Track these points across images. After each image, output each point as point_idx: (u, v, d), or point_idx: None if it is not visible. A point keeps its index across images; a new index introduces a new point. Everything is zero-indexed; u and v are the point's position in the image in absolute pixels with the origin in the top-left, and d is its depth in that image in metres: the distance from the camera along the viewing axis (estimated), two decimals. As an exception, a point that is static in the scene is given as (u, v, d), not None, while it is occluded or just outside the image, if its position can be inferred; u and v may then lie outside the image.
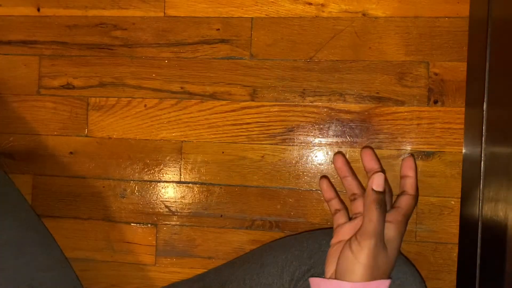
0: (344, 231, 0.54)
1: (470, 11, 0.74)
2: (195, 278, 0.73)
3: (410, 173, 0.54)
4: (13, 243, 0.65)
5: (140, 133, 0.82)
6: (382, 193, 0.48)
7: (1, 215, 0.66)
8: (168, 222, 0.81)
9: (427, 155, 0.75)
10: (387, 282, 0.49)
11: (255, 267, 0.63)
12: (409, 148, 0.75)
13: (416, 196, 0.55)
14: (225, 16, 0.80)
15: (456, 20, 0.74)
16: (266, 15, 0.79)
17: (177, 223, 0.81)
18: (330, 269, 0.51)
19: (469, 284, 0.64)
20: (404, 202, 0.53)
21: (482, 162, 0.63)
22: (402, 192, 0.55)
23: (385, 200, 0.49)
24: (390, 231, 0.49)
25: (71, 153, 0.84)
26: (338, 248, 0.52)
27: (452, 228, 0.74)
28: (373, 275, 0.48)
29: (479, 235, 0.63)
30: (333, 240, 0.54)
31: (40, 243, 0.71)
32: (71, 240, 0.78)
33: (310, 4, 0.78)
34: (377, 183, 0.48)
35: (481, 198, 0.63)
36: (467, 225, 0.71)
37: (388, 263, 0.49)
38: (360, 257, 0.47)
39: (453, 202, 0.74)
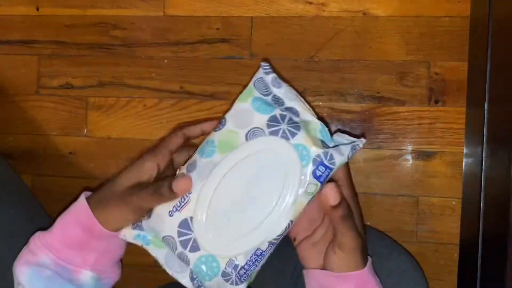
0: (298, 231, 0.52)
1: (471, 10, 0.74)
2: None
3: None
4: (25, 234, 0.65)
5: (139, 133, 0.82)
6: (342, 202, 0.45)
7: (13, 206, 0.67)
8: (167, 223, 0.81)
9: (428, 155, 0.75)
10: (370, 260, 0.50)
11: None
12: (410, 148, 0.75)
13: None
14: (225, 15, 0.80)
15: (457, 20, 0.74)
16: (266, 14, 0.79)
17: (177, 223, 0.81)
18: (312, 266, 0.50)
19: (470, 285, 0.64)
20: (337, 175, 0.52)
21: (483, 162, 0.63)
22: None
23: (348, 207, 0.45)
24: (355, 215, 0.48)
25: (70, 153, 0.84)
26: (305, 247, 0.50)
27: (453, 228, 0.74)
28: (365, 260, 0.48)
29: (480, 236, 0.62)
30: (296, 243, 0.51)
31: None
32: (70, 240, 0.78)
33: (311, 3, 0.78)
34: (332, 197, 0.44)
35: (482, 198, 0.63)
36: (468, 226, 0.71)
37: (365, 242, 0.49)
38: (349, 260, 0.47)
39: (454, 203, 0.74)
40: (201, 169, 0.46)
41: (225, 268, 0.45)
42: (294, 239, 0.52)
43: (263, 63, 0.47)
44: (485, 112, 0.63)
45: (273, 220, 0.44)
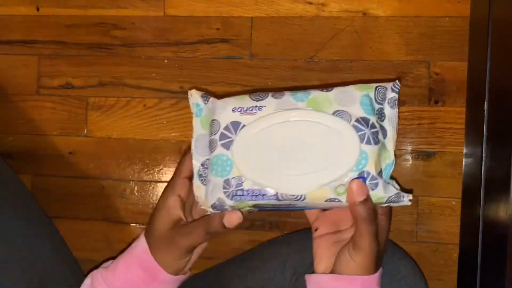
0: (323, 223, 0.53)
1: (470, 10, 0.74)
2: (195, 276, 0.73)
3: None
4: (25, 237, 0.65)
5: (139, 133, 0.82)
6: (367, 202, 0.45)
7: (13, 209, 0.67)
8: (167, 222, 0.81)
9: (428, 155, 0.75)
10: (381, 270, 0.50)
11: (257, 263, 0.63)
12: (410, 148, 0.75)
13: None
14: (225, 15, 0.80)
15: (457, 20, 0.74)
16: (266, 14, 0.79)
17: (177, 223, 0.81)
18: (322, 265, 0.50)
19: (470, 285, 0.64)
20: None
21: (483, 162, 0.63)
22: None
23: (372, 208, 0.46)
24: (382, 222, 0.49)
25: (70, 153, 0.84)
26: (324, 242, 0.51)
27: (453, 228, 0.74)
28: (376, 268, 0.48)
29: (480, 236, 0.62)
30: (316, 234, 0.52)
31: (50, 238, 0.71)
32: (71, 240, 0.78)
33: (311, 3, 0.78)
34: (357, 192, 0.44)
35: (482, 198, 0.62)
36: (468, 226, 0.71)
37: (382, 253, 0.49)
38: (360, 262, 0.47)
39: (453, 203, 0.74)
40: (283, 102, 0.48)
41: (232, 178, 0.47)
42: (316, 230, 0.52)
43: (397, 81, 0.49)
44: (485, 112, 0.63)
45: (294, 181, 0.46)
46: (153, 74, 0.82)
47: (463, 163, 0.73)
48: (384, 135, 0.49)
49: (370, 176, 0.46)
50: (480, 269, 0.62)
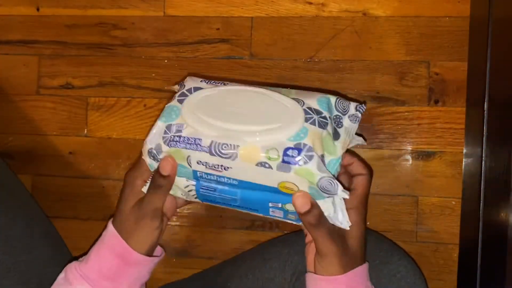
0: None
1: (470, 10, 0.74)
2: (195, 276, 0.73)
3: (351, 160, 0.52)
4: (24, 238, 0.65)
5: (139, 133, 0.82)
6: (312, 211, 0.47)
7: (12, 210, 0.67)
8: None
9: (428, 155, 0.75)
10: (364, 267, 0.51)
11: (257, 263, 0.64)
12: (410, 148, 0.75)
13: (369, 174, 0.52)
14: (225, 15, 0.80)
15: (456, 20, 0.74)
16: (266, 14, 0.79)
17: (177, 223, 0.81)
18: (311, 268, 0.53)
19: (470, 285, 0.64)
20: (359, 183, 0.51)
21: (483, 162, 0.63)
22: (354, 175, 0.53)
23: (319, 213, 0.48)
24: (351, 217, 0.49)
25: (70, 153, 0.84)
26: (313, 248, 0.53)
27: (453, 228, 0.74)
28: (349, 268, 0.49)
29: (480, 236, 0.62)
30: (307, 240, 0.55)
31: (49, 239, 0.71)
32: (71, 240, 0.78)
33: (311, 3, 0.78)
34: (299, 205, 0.47)
35: (482, 198, 0.63)
36: (468, 226, 0.71)
37: (358, 250, 0.50)
38: (323, 264, 0.49)
39: (453, 202, 0.74)
40: (248, 85, 0.53)
41: (175, 124, 0.50)
42: (306, 235, 0.55)
43: (363, 105, 0.51)
44: (485, 112, 0.63)
45: (231, 134, 0.48)
46: (153, 74, 0.82)
47: (463, 163, 0.73)
48: (336, 137, 0.49)
49: (306, 148, 0.46)
50: (480, 269, 0.62)
